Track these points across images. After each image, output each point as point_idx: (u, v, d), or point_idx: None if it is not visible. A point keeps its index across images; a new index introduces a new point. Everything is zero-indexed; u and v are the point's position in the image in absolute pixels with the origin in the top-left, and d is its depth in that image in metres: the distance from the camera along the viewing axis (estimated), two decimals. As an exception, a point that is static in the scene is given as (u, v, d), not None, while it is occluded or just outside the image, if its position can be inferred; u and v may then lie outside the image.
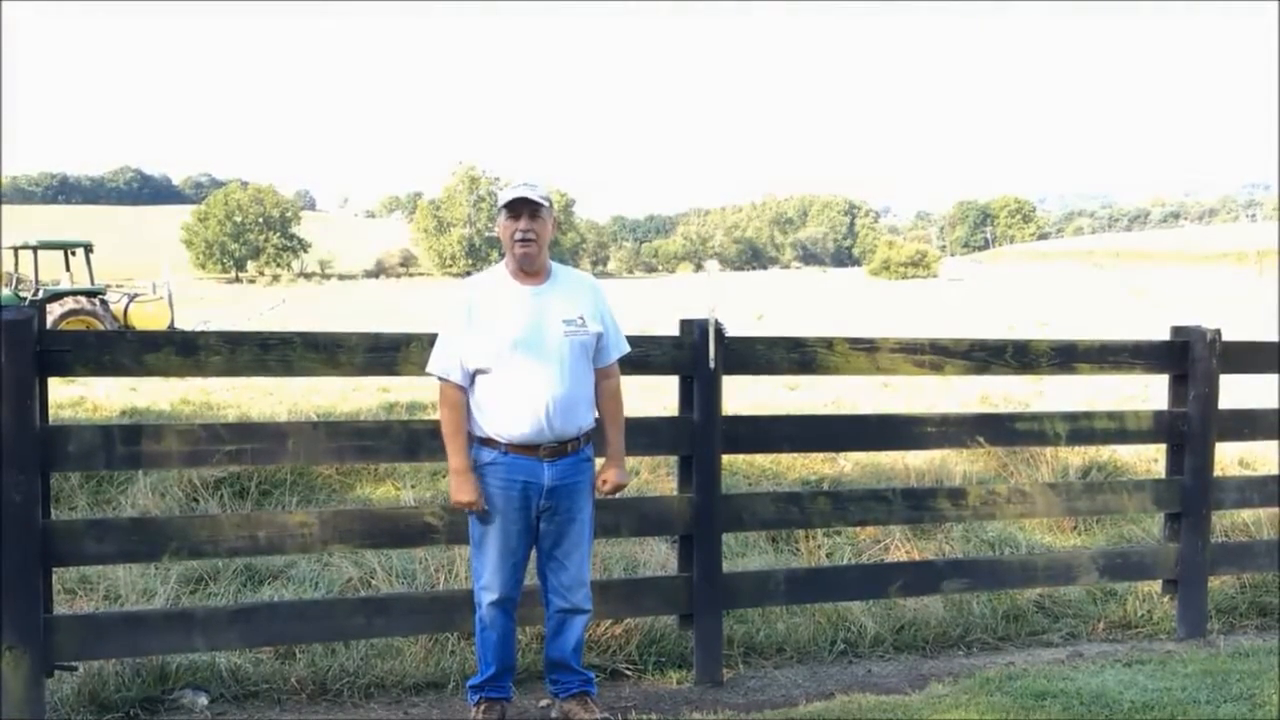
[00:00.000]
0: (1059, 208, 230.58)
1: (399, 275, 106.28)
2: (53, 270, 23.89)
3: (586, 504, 3.88)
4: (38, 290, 22.23)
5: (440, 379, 3.77)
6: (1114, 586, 5.51)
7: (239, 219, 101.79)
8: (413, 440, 4.22)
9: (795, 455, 8.15)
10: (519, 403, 3.69)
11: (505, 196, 3.79)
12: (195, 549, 3.99)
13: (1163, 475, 5.43)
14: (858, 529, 6.10)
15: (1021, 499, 5.08)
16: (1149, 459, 8.09)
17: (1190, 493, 5.16)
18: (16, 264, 23.04)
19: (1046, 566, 5.11)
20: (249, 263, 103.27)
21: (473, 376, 3.75)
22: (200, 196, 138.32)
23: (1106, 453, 8.11)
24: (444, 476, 7.61)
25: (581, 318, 3.79)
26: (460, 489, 3.73)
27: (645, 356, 4.35)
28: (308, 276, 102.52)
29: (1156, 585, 5.36)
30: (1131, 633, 5.26)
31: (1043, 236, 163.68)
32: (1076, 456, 7.98)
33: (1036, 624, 5.27)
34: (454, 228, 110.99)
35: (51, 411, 4.00)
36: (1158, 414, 5.26)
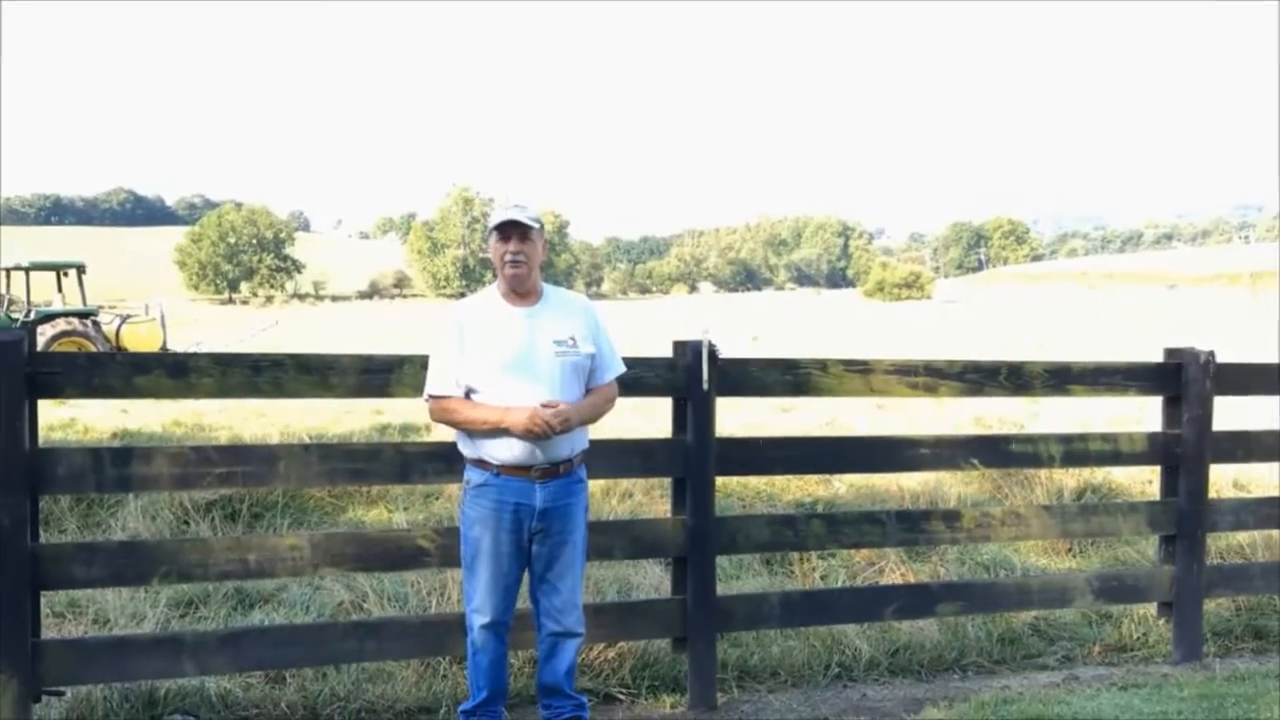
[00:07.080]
0: (1052, 229, 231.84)
1: (393, 296, 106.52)
2: (45, 291, 23.85)
3: (579, 526, 3.86)
4: (29, 311, 22.18)
5: (441, 397, 3.74)
6: (1109, 609, 5.49)
7: (233, 240, 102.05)
8: (405, 463, 4.20)
9: (789, 477, 8.13)
10: (510, 425, 3.66)
11: (495, 218, 3.80)
12: (185, 572, 3.97)
13: (1158, 497, 5.42)
14: (852, 551, 6.07)
15: (1016, 521, 5.07)
16: (1144, 481, 8.08)
17: (1185, 515, 5.15)
18: (8, 285, 22.97)
19: (1041, 589, 5.10)
20: (242, 284, 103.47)
21: (466, 395, 3.74)
22: (194, 218, 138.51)
23: (1101, 474, 8.10)
24: (436, 499, 7.61)
25: (573, 338, 3.78)
26: (517, 415, 3.59)
27: (639, 378, 4.33)
28: (301, 298, 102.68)
29: (1152, 608, 5.34)
30: (1127, 656, 5.24)
31: (1036, 258, 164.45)
32: (1071, 478, 7.97)
33: (1032, 647, 5.24)
34: (448, 249, 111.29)
35: (42, 433, 3.98)
36: (1152, 436, 5.26)
